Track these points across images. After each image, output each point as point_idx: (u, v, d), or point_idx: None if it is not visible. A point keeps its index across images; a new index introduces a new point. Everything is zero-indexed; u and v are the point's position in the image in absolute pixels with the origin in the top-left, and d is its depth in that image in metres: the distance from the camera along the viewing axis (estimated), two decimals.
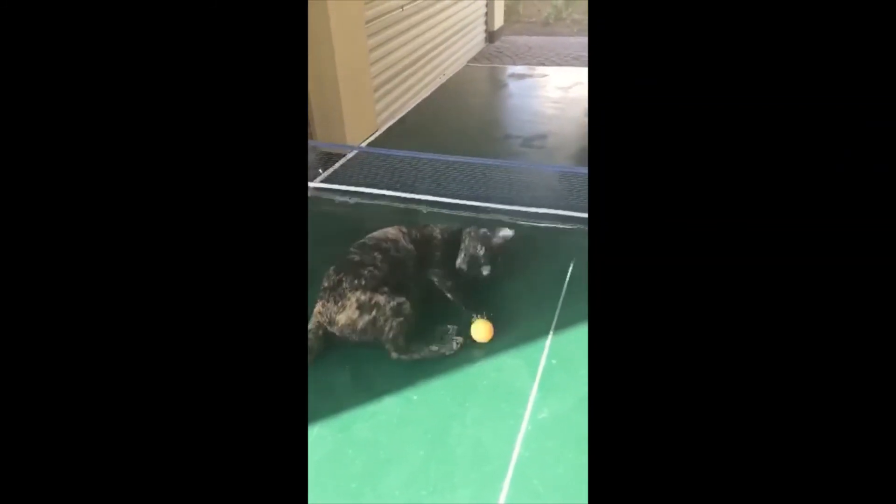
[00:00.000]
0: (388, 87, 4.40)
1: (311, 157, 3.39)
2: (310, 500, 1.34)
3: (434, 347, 1.73)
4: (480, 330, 1.77)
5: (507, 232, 2.01)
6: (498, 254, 2.02)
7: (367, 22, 3.85)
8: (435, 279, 1.95)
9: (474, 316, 1.80)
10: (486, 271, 1.98)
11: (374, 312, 1.72)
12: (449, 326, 1.81)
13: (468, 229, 2.03)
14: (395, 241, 1.96)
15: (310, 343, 1.74)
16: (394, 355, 1.71)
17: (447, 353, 1.72)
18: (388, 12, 4.25)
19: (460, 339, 1.73)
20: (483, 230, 2.01)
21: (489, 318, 1.79)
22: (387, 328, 1.71)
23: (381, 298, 1.74)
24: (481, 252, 1.97)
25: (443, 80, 5.21)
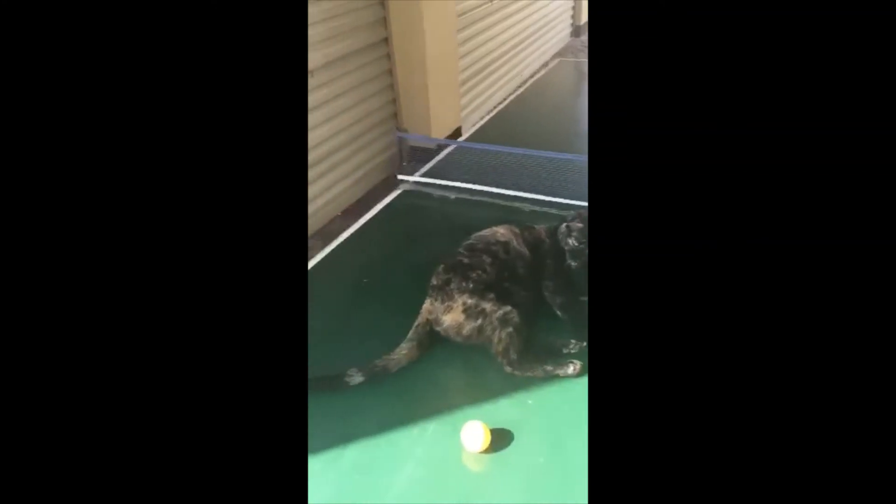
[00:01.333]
0: (474, 81, 4.37)
1: (401, 150, 3.41)
2: (426, 500, 1.33)
3: (549, 367, 1.65)
4: (475, 438, 1.44)
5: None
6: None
7: (458, 16, 3.83)
8: (546, 293, 1.89)
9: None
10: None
11: (480, 320, 1.69)
12: (572, 341, 1.74)
13: (561, 229, 1.94)
14: (505, 244, 1.91)
15: (418, 339, 1.73)
16: (507, 369, 1.66)
17: (562, 376, 1.65)
18: (478, 6, 4.22)
19: (578, 364, 1.64)
20: (572, 227, 1.92)
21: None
22: (495, 339, 1.67)
23: (487, 306, 1.69)
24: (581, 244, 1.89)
25: (528, 74, 5.13)
